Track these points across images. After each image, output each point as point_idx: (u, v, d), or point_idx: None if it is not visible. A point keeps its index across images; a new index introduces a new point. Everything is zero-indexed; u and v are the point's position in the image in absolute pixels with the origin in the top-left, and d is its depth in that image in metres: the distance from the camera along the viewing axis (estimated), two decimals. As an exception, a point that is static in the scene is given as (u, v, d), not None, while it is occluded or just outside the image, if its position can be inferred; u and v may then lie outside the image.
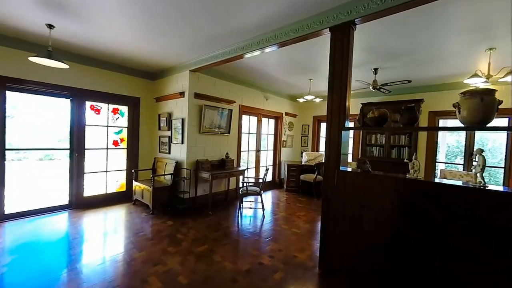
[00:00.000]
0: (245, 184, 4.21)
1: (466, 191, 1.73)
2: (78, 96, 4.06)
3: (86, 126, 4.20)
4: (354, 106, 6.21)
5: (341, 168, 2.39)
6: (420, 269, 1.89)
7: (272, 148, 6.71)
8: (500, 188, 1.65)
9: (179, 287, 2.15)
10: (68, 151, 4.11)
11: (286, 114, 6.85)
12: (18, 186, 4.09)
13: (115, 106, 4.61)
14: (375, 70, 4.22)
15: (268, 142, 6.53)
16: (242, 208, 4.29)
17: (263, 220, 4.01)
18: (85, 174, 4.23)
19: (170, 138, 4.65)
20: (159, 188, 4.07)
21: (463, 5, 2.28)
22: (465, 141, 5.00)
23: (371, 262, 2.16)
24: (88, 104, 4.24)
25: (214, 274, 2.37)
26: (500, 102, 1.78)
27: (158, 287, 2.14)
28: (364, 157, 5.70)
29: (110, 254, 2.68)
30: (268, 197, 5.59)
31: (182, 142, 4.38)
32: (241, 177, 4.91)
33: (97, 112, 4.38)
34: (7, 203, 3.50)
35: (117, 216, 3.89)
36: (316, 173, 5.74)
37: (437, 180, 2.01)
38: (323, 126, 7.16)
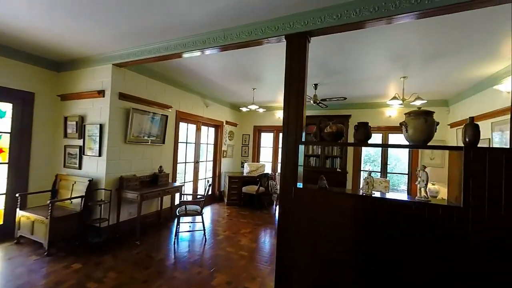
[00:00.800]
0: (183, 204, 3.60)
1: (414, 205, 1.79)
2: None
3: None
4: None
5: (298, 184, 2.22)
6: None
7: (212, 159, 6.22)
8: (444, 202, 1.78)
9: None
10: None
11: (227, 122, 6.52)
12: None
13: (-10, 102, 3.24)
14: (315, 85, 4.41)
15: (207, 152, 6.01)
16: (179, 232, 3.64)
17: (204, 244, 3.49)
18: None
19: (82, 148, 3.57)
20: (62, 218, 3.00)
21: (385, 35, 2.58)
22: (381, 153, 5.85)
23: (334, 283, 2.02)
24: None
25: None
26: (437, 123, 1.95)
27: None
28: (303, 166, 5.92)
29: None
30: (208, 213, 5.06)
31: (100, 154, 3.42)
32: (177, 194, 4.23)
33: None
34: None
35: (-15, 265, 2.62)
36: (258, 184, 5.58)
37: (388, 195, 2.06)
38: (264, 136, 7.17)
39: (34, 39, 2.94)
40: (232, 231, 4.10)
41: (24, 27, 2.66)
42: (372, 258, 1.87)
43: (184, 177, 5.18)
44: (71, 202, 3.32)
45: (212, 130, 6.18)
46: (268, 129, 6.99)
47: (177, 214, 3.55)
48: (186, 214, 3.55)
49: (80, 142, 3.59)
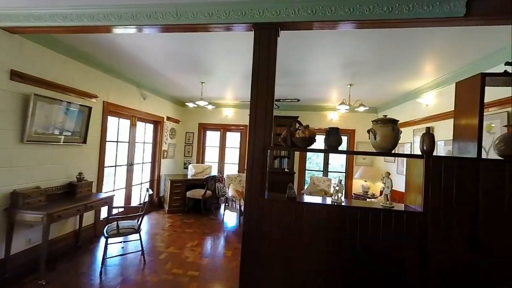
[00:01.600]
0: (114, 220, 2.84)
1: (381, 212, 1.78)
2: None
3: None
4: (241, 117, 6.18)
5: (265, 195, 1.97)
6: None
7: (150, 160, 5.34)
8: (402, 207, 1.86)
9: None
10: None
11: (169, 118, 5.72)
12: None
13: None
14: (270, 84, 4.23)
15: (144, 153, 5.11)
16: (106, 258, 2.83)
17: (143, 268, 2.85)
18: None
19: None
20: None
21: (336, 43, 2.65)
22: (324, 155, 6.21)
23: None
24: None
25: None
26: (401, 131, 2.00)
27: None
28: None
29: None
30: (145, 225, 4.27)
31: (-24, 160, 2.32)
32: (104, 208, 3.34)
33: None
34: None
35: None
36: (205, 188, 5.09)
37: (355, 203, 2.02)
38: (209, 134, 6.65)
39: None
40: (176, 246, 3.53)
41: None
42: (349, 269, 1.78)
43: (114, 184, 4.22)
44: None
45: (150, 126, 5.29)
46: (214, 127, 6.51)
47: (105, 235, 2.76)
48: (118, 234, 2.80)
49: None
